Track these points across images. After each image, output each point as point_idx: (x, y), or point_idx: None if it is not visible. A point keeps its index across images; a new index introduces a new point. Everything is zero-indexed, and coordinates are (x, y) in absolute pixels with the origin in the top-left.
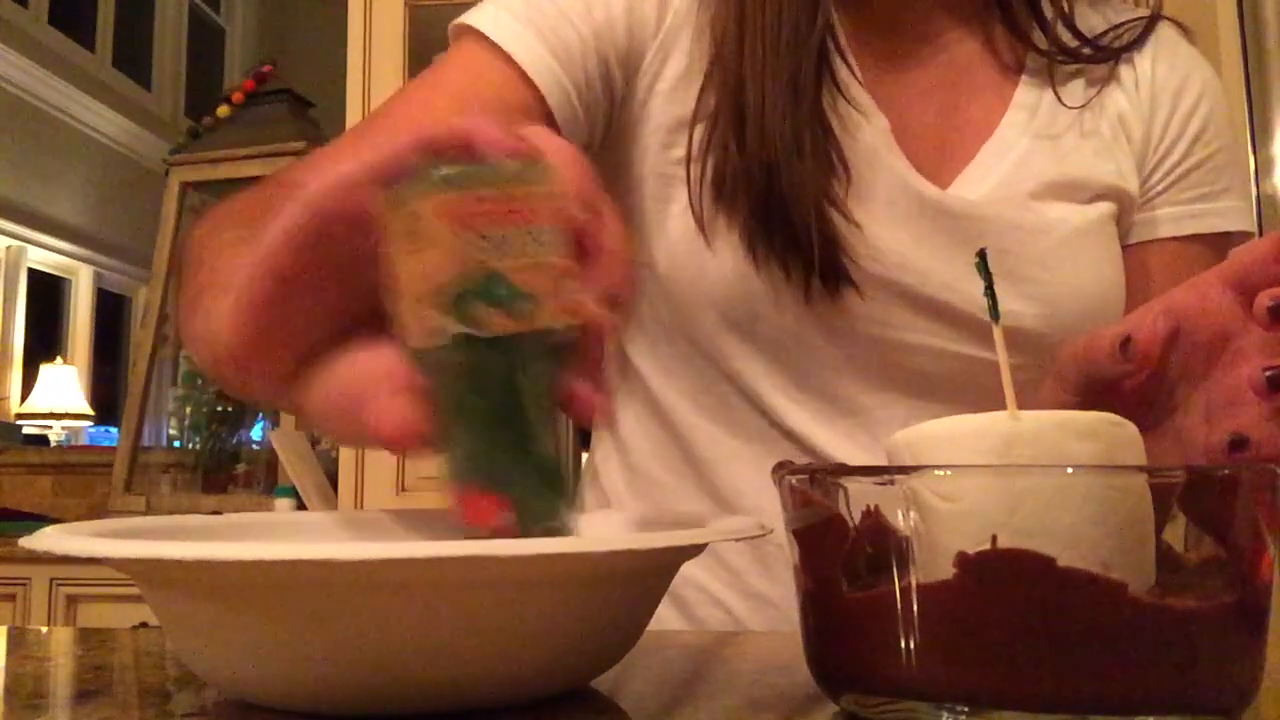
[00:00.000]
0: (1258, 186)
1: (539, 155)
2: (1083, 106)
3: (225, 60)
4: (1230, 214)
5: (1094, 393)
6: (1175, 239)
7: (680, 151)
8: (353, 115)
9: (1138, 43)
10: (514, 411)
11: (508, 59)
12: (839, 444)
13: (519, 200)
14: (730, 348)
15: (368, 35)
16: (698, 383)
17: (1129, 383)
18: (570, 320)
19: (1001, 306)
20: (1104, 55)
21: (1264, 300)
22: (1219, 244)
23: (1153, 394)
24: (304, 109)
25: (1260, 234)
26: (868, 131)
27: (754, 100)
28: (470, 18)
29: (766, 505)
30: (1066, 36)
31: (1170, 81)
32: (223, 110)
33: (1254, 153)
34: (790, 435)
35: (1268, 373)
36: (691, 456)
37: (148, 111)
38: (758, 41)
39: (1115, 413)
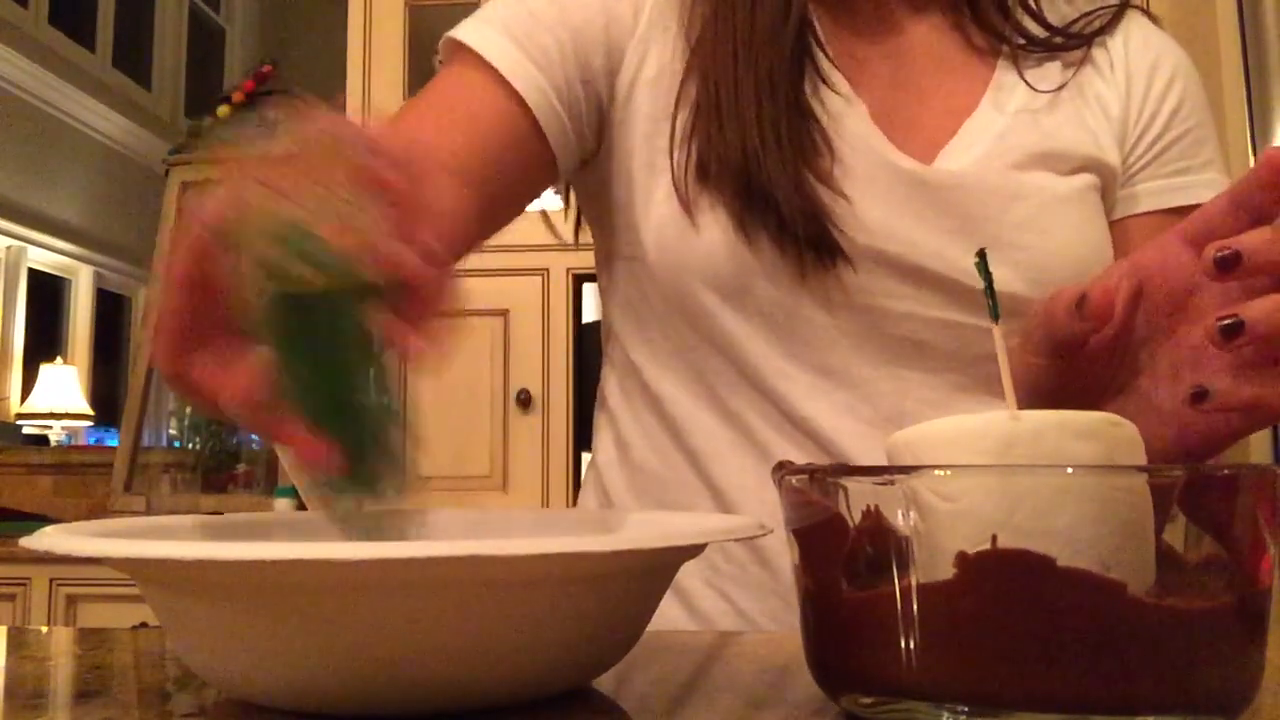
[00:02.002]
0: None
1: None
2: (1060, 88)
3: (225, 60)
4: (1213, 186)
5: (1060, 355)
6: (1158, 212)
7: (663, 141)
8: (353, 115)
9: (1108, 27)
10: (336, 360)
11: (489, 67)
12: (839, 419)
13: (320, 165)
14: (725, 324)
15: (368, 35)
16: (694, 371)
17: (1093, 343)
18: (382, 273)
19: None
20: (1075, 42)
21: (1209, 252)
22: None
23: (1119, 354)
24: None
25: None
26: (849, 116)
27: (727, 94)
28: (455, 31)
29: (768, 498)
30: (1035, 28)
31: (1144, 61)
32: (223, 110)
33: (1254, 153)
34: (790, 416)
35: (1221, 322)
36: (691, 451)
37: (148, 111)
38: (732, 38)
39: (1081, 373)
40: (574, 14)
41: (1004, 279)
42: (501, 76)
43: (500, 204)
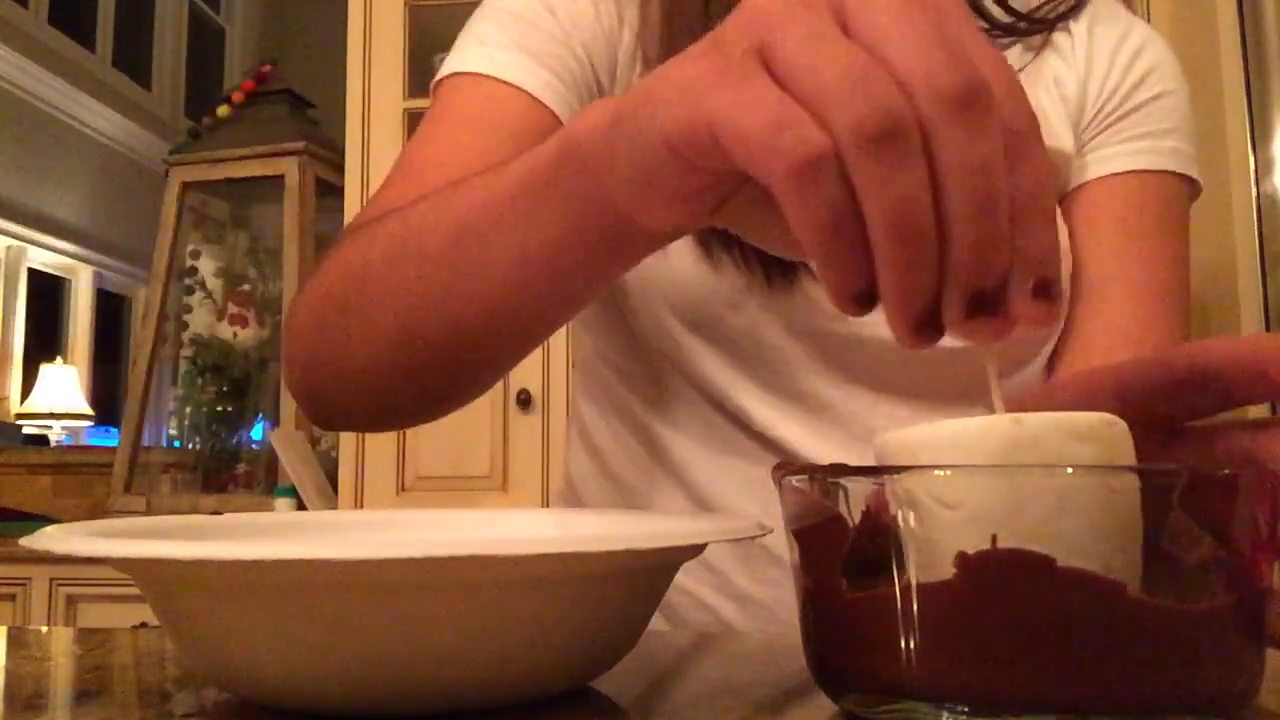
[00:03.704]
0: (1258, 186)
1: None
2: (1018, 71)
3: (225, 60)
4: (1174, 156)
5: None
6: (1106, 176)
7: None
8: (353, 115)
9: (1073, 11)
10: None
11: (514, 88)
12: (809, 441)
13: None
14: (694, 353)
15: (368, 35)
16: (666, 395)
17: None
18: None
19: None
20: (1038, 26)
21: None
22: (1163, 185)
23: None
24: (304, 109)
25: (1260, 233)
26: None
27: None
28: (462, 64)
29: (747, 509)
30: (998, 13)
31: (1108, 37)
32: (223, 110)
33: (1254, 153)
34: (761, 438)
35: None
36: (670, 463)
37: (148, 111)
38: (688, 34)
39: None
40: (579, 26)
41: None
42: (527, 92)
43: None
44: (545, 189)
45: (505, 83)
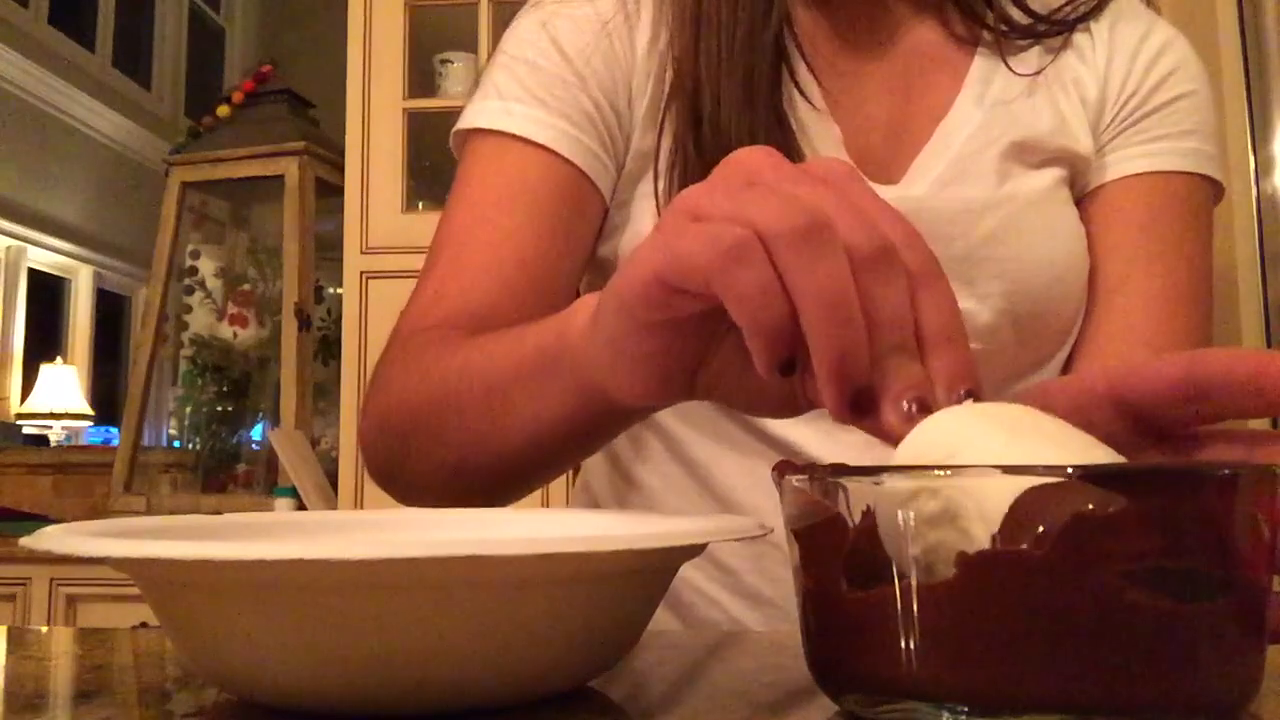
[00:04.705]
0: (1258, 186)
1: None
2: (1036, 73)
3: (225, 60)
4: (1194, 157)
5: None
6: (1125, 177)
7: (647, 184)
8: (353, 115)
9: (1094, 12)
10: None
11: (536, 145)
12: (823, 443)
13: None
14: None
15: (368, 35)
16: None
17: None
18: None
19: (962, 304)
20: (1059, 28)
21: None
22: (1183, 186)
23: None
24: (304, 109)
25: (1260, 233)
26: (820, 136)
27: (709, 101)
28: (482, 119)
29: (760, 503)
30: (1018, 15)
31: (1130, 39)
32: (223, 110)
33: (1254, 153)
34: (775, 443)
35: None
36: (683, 459)
37: (148, 111)
38: (713, 41)
39: None
40: (590, 65)
41: (981, 294)
42: (549, 149)
43: (580, 263)
44: (546, 374)
45: (523, 139)
